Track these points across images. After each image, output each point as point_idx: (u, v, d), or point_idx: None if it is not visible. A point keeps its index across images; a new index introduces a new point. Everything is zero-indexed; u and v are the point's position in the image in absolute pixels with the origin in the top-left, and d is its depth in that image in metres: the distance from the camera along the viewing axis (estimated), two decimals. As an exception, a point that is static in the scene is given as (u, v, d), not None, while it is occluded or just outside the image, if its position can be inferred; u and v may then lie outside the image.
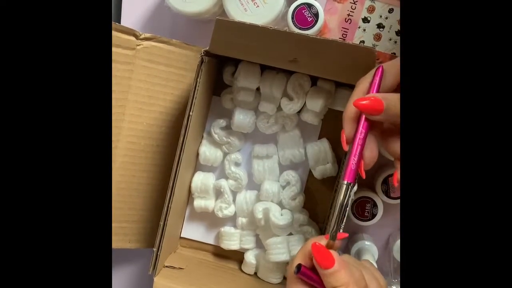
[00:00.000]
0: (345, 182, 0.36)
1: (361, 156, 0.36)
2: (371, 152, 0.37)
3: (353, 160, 0.36)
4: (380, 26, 0.51)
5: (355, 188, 0.39)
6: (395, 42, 0.51)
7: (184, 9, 0.48)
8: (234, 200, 0.51)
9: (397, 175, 0.37)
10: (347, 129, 0.37)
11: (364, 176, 0.37)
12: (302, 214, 0.49)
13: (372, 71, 0.37)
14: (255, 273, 0.52)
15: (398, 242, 0.51)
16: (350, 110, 0.36)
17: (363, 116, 0.36)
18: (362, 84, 0.37)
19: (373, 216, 0.51)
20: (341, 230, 0.39)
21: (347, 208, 0.37)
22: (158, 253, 0.44)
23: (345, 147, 0.37)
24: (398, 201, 0.51)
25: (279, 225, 0.47)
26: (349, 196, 0.37)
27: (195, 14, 0.48)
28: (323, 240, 0.36)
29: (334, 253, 0.35)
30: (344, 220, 0.39)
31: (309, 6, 0.47)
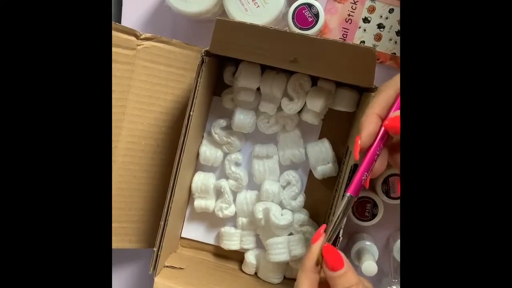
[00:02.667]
0: (348, 195, 0.36)
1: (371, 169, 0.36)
2: (381, 166, 0.36)
3: (364, 175, 0.35)
4: (380, 26, 0.51)
5: None
6: (395, 42, 0.51)
7: (185, 9, 0.48)
8: (234, 200, 0.51)
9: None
10: (364, 139, 0.35)
11: (368, 187, 0.37)
12: (302, 214, 0.49)
13: (397, 78, 0.35)
14: (256, 273, 0.52)
15: (398, 242, 0.51)
16: (371, 121, 0.35)
17: (385, 132, 0.35)
18: (386, 92, 0.35)
19: (374, 216, 0.51)
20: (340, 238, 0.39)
21: (344, 219, 0.37)
22: (159, 253, 0.44)
23: (357, 157, 0.35)
24: (398, 201, 0.51)
25: (280, 225, 0.47)
26: (349, 209, 0.36)
27: (195, 14, 0.48)
28: (313, 253, 0.36)
29: (342, 254, 0.35)
30: (344, 223, 0.39)
31: (310, 6, 0.47)
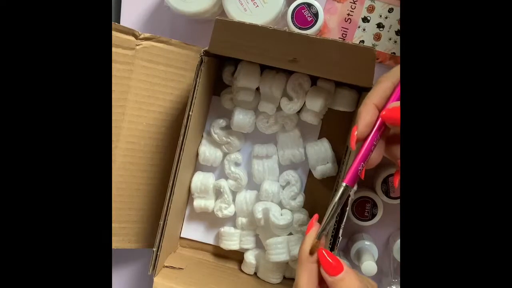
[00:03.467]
0: (344, 185, 0.36)
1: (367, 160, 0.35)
2: (378, 156, 0.36)
3: (360, 166, 0.35)
4: (380, 25, 0.51)
5: (355, 188, 0.39)
6: (395, 41, 0.51)
7: (184, 9, 0.48)
8: (234, 200, 0.51)
9: (398, 178, 0.36)
10: (361, 129, 0.35)
11: (363, 178, 0.36)
12: (302, 214, 0.49)
13: (396, 69, 0.35)
14: (255, 273, 0.52)
15: (398, 242, 0.51)
16: (368, 111, 0.34)
17: (382, 122, 0.35)
18: (384, 83, 0.35)
19: (373, 216, 0.51)
20: (340, 236, 0.39)
21: (346, 210, 0.37)
22: (158, 253, 0.44)
23: (354, 147, 0.35)
24: (398, 201, 0.51)
25: (279, 225, 0.47)
26: (345, 199, 0.36)
27: (194, 14, 0.48)
28: (307, 243, 0.36)
29: (339, 258, 0.35)
30: (343, 222, 0.39)
31: (309, 5, 0.47)
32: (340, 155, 0.50)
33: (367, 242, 0.51)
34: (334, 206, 0.36)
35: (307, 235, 0.36)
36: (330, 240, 0.42)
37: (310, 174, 0.51)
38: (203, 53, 0.42)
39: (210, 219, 0.53)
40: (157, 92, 0.50)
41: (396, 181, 0.36)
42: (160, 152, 0.51)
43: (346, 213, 0.41)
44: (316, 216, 0.38)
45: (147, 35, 0.47)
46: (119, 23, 0.55)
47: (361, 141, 0.35)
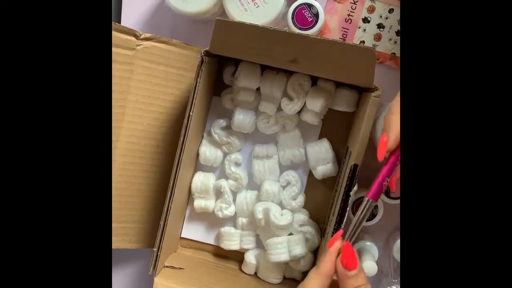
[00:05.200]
0: (367, 199, 0.36)
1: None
2: None
3: (385, 181, 0.35)
4: (380, 26, 0.51)
5: (355, 188, 0.39)
6: (395, 42, 0.51)
7: (184, 9, 0.48)
8: (234, 200, 0.51)
9: (395, 180, 0.36)
10: (392, 141, 0.33)
11: (394, 190, 0.36)
12: (302, 214, 0.49)
13: None
14: (255, 273, 0.52)
15: (398, 242, 0.51)
16: (398, 121, 0.32)
17: None
18: None
19: (373, 216, 0.51)
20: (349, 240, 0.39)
21: (346, 211, 0.37)
22: (158, 253, 0.44)
23: (381, 158, 0.34)
24: (398, 201, 0.51)
25: (280, 225, 0.47)
26: (368, 214, 0.36)
27: (195, 14, 0.48)
28: (329, 258, 0.36)
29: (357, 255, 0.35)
30: (344, 222, 0.39)
31: (309, 6, 0.47)
32: (341, 155, 0.50)
33: (367, 242, 0.51)
34: (358, 220, 0.36)
35: (330, 249, 0.36)
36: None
37: (310, 174, 0.51)
38: (203, 53, 0.42)
39: (211, 219, 0.53)
40: (157, 92, 0.50)
41: (393, 185, 0.36)
42: (160, 152, 0.51)
43: (346, 213, 0.41)
44: (340, 231, 0.37)
45: (147, 35, 0.47)
46: (119, 23, 0.55)
47: (390, 152, 0.34)
